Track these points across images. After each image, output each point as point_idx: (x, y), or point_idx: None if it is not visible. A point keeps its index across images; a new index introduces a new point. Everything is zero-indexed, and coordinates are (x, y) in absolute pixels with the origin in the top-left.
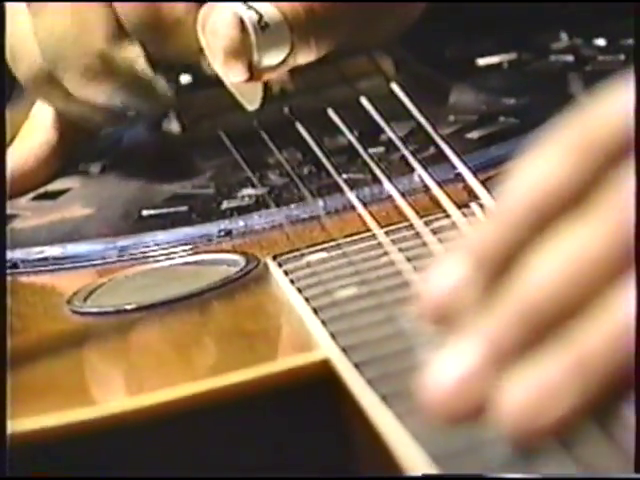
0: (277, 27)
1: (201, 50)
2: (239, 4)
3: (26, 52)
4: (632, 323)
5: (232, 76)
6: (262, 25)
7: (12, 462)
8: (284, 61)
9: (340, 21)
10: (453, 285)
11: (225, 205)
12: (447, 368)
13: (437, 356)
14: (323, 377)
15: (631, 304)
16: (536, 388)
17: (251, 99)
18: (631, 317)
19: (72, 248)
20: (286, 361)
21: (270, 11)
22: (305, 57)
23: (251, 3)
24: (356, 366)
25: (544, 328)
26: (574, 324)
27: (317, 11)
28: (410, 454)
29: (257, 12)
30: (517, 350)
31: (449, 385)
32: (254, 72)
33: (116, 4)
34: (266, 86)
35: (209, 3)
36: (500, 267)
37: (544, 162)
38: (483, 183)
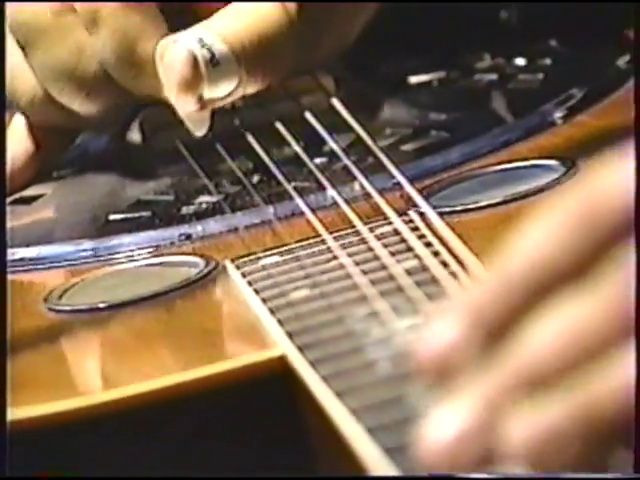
0: (227, 64)
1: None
2: (193, 41)
3: (24, 80)
4: (627, 390)
5: (183, 106)
6: (214, 63)
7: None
8: (232, 92)
9: (285, 52)
10: (450, 343)
11: (184, 211)
12: (445, 425)
13: (436, 413)
14: (280, 373)
15: (628, 372)
16: (542, 432)
17: (199, 126)
18: (627, 384)
19: (45, 250)
20: (245, 357)
21: (221, 48)
22: (252, 87)
23: (205, 39)
24: (311, 363)
25: (542, 381)
26: (571, 383)
27: (264, 46)
28: (364, 447)
29: (209, 50)
30: (508, 407)
31: (447, 442)
32: (204, 103)
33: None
34: (214, 114)
35: (168, 37)
36: (497, 329)
37: (546, 230)
38: (419, 191)
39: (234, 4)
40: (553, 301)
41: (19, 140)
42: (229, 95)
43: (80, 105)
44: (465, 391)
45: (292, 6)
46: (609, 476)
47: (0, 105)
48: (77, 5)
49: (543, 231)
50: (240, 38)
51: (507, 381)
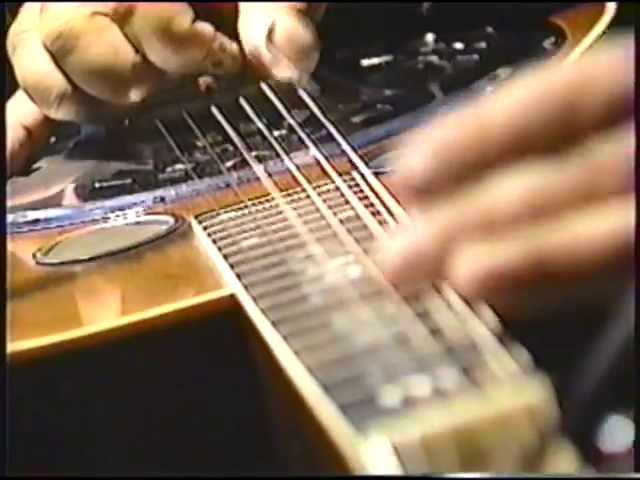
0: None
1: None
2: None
3: (52, 85)
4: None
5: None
6: None
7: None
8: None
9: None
10: (422, 169)
11: (160, 177)
12: (403, 238)
13: (398, 229)
14: (231, 309)
15: (583, 233)
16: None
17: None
18: (578, 243)
19: (40, 213)
20: (203, 296)
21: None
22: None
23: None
24: (254, 299)
25: (503, 224)
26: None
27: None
28: (292, 365)
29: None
30: (462, 240)
31: (402, 251)
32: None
33: (129, 26)
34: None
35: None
36: (467, 170)
37: (530, 96)
38: (363, 157)
39: None
40: (523, 161)
41: (15, 129)
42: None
43: (120, 97)
44: (427, 216)
45: None
46: (609, 476)
47: (0, 105)
48: (105, 7)
49: (527, 95)
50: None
51: (467, 217)
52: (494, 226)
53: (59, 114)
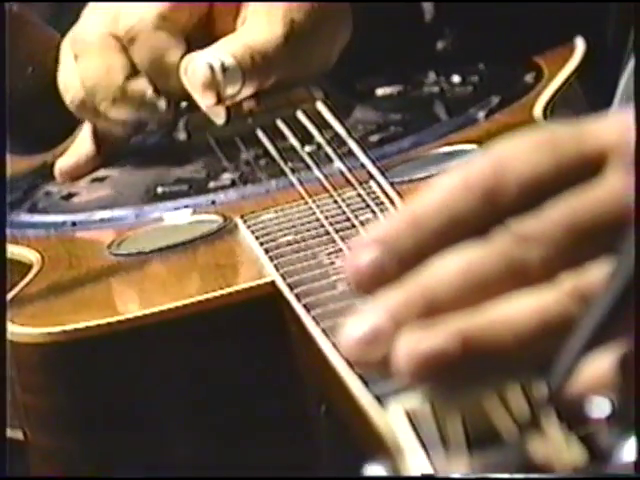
0: (234, 72)
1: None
2: (210, 56)
3: (71, 86)
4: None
5: (205, 102)
6: (224, 69)
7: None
8: (237, 92)
9: (275, 63)
10: (367, 264)
11: (212, 184)
12: (357, 325)
13: (352, 318)
14: (272, 294)
15: (508, 310)
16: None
17: (218, 116)
18: (507, 321)
19: (112, 213)
20: (248, 283)
21: (229, 61)
22: (253, 88)
23: (218, 54)
24: (289, 286)
25: (437, 308)
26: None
27: (259, 60)
28: (324, 340)
29: (220, 60)
30: (411, 318)
31: (357, 335)
32: (219, 99)
33: (132, 51)
34: (228, 108)
35: (190, 54)
36: (407, 258)
37: (456, 185)
38: (380, 169)
39: (242, 29)
40: (457, 244)
41: (87, 140)
42: (236, 94)
43: (106, 108)
44: (376, 303)
45: (282, 32)
46: (609, 476)
47: (0, 107)
48: (116, 30)
49: (453, 187)
50: (242, 54)
51: (411, 298)
52: (435, 305)
53: (76, 113)
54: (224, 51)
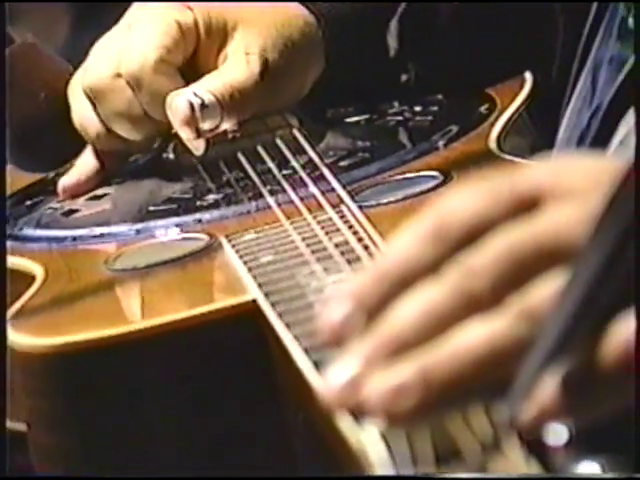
0: (212, 108)
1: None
2: (191, 93)
3: (92, 125)
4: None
5: (185, 135)
6: (203, 106)
7: (71, 365)
8: (217, 126)
9: (251, 100)
10: (339, 321)
11: (198, 204)
12: (337, 374)
13: (332, 368)
14: (253, 311)
15: (466, 343)
16: (393, 388)
17: (198, 148)
18: (463, 353)
19: (108, 229)
20: (232, 299)
21: (209, 97)
22: (230, 123)
23: (198, 92)
24: (271, 304)
25: (403, 348)
26: (423, 347)
27: (236, 96)
28: (299, 356)
29: (200, 98)
30: (383, 363)
31: (338, 385)
32: (198, 133)
33: (138, 95)
34: (208, 140)
35: (174, 91)
36: (373, 309)
37: (408, 238)
38: (349, 193)
39: (222, 67)
40: (413, 290)
41: (89, 160)
42: (215, 128)
43: (131, 134)
44: (351, 351)
45: (258, 70)
46: (609, 476)
47: (0, 111)
48: (122, 71)
49: (406, 239)
50: (222, 91)
51: (378, 346)
52: (402, 344)
53: (98, 144)
54: (205, 89)
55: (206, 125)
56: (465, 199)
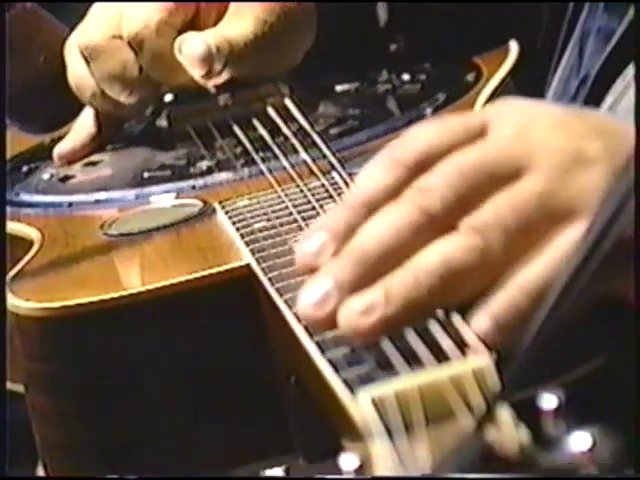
0: (221, 50)
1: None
2: (205, 37)
3: (86, 85)
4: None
5: (201, 73)
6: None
7: (67, 328)
8: (220, 72)
9: (248, 55)
10: (315, 250)
11: (191, 171)
12: (310, 292)
13: (306, 287)
14: (247, 275)
15: (424, 262)
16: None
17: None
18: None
19: (104, 195)
20: (226, 265)
21: (214, 43)
22: (228, 74)
23: (210, 36)
24: (263, 270)
25: (369, 266)
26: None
27: (235, 47)
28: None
29: (215, 42)
30: (352, 279)
31: (312, 301)
32: (211, 73)
33: (139, 56)
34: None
35: (182, 35)
36: (344, 236)
37: (371, 170)
38: (339, 160)
39: (220, 24)
40: (378, 214)
41: (87, 124)
42: (218, 74)
43: (122, 97)
44: (323, 272)
45: (255, 30)
46: (609, 476)
47: (1, 107)
48: (123, 33)
49: (369, 170)
50: (221, 41)
51: (346, 266)
52: (369, 263)
53: (94, 106)
54: (208, 37)
55: (216, 67)
56: (420, 130)
